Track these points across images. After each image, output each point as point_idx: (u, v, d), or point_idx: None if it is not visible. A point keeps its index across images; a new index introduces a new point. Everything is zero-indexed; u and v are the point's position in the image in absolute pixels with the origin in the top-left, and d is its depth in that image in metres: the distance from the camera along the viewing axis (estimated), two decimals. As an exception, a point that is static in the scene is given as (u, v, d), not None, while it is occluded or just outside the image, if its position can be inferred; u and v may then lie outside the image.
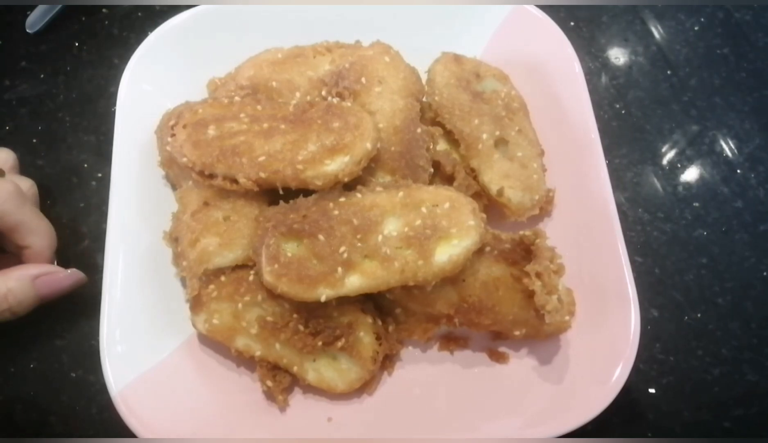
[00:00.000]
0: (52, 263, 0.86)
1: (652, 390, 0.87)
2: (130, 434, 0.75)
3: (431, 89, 0.89)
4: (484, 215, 0.78)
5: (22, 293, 0.79)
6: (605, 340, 0.78)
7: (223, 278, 0.79)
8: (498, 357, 0.82)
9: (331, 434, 0.78)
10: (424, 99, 0.90)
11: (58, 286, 0.82)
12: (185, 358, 0.82)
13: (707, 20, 1.14)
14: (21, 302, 0.79)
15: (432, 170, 0.85)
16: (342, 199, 0.78)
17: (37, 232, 0.83)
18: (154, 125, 0.89)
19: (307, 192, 0.78)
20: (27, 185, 0.87)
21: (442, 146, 0.89)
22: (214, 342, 0.80)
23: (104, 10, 1.14)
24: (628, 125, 1.04)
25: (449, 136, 0.88)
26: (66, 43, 1.12)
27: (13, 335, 0.89)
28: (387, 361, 0.82)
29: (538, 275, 0.74)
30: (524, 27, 0.97)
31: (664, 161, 1.02)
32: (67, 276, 0.83)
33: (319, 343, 0.76)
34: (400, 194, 0.77)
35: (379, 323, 0.81)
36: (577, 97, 0.91)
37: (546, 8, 0.97)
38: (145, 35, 0.96)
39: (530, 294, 0.75)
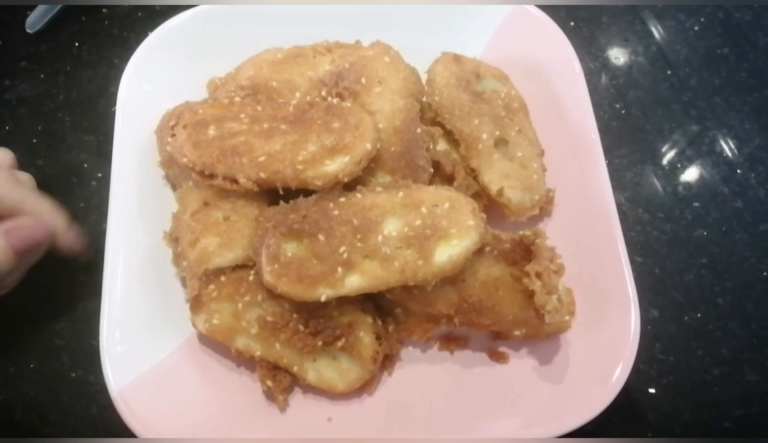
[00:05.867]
0: (69, 236, 0.84)
1: (652, 390, 0.87)
2: (130, 434, 0.75)
3: (431, 89, 0.89)
4: (484, 215, 0.78)
5: None
6: (605, 340, 0.78)
7: (223, 278, 0.79)
8: (498, 357, 0.82)
9: (331, 434, 0.78)
10: (424, 99, 0.90)
11: (31, 237, 0.79)
12: (185, 358, 0.82)
13: (707, 20, 1.14)
14: None
15: (432, 170, 0.85)
16: (342, 199, 0.78)
17: (41, 211, 0.81)
18: (154, 125, 0.89)
19: (307, 192, 0.78)
20: (24, 178, 0.86)
21: (442, 146, 0.89)
22: (214, 342, 0.80)
23: (104, 10, 1.14)
24: (628, 125, 1.04)
25: (449, 136, 0.88)
26: (66, 43, 1.12)
27: (13, 335, 0.89)
28: (387, 361, 0.82)
29: (538, 275, 0.74)
30: (524, 27, 0.97)
31: (664, 161, 1.02)
32: (38, 226, 0.80)
33: (319, 343, 0.76)
34: (400, 194, 0.77)
35: (379, 323, 0.81)
36: (577, 97, 0.91)
37: (546, 8, 0.97)
38: (145, 35, 0.96)
39: (530, 294, 0.75)
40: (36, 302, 0.88)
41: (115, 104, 0.92)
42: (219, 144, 0.79)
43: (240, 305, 0.78)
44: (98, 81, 1.08)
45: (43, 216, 0.81)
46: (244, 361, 0.81)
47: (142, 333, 0.81)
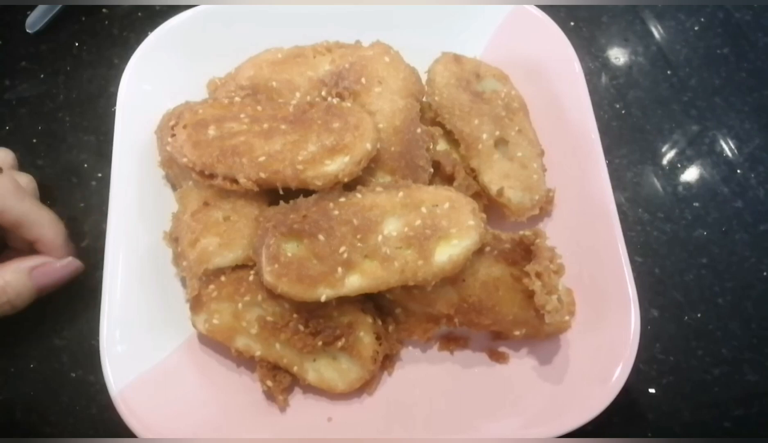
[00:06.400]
0: (65, 250, 0.85)
1: (652, 390, 0.87)
2: (130, 434, 0.75)
3: (431, 89, 0.89)
4: (484, 215, 0.78)
5: (20, 285, 0.79)
6: (605, 340, 0.78)
7: (223, 278, 0.79)
8: (498, 357, 0.82)
9: (331, 434, 0.78)
10: (424, 99, 0.90)
11: (55, 276, 0.82)
12: (185, 358, 0.82)
13: (707, 20, 1.14)
14: (19, 294, 0.79)
15: (432, 170, 0.85)
16: (342, 199, 0.78)
17: (42, 223, 0.82)
18: (154, 125, 0.89)
19: (307, 192, 0.78)
20: (25, 180, 0.86)
21: (442, 146, 0.89)
22: (214, 342, 0.80)
23: (104, 10, 1.14)
24: (628, 125, 1.04)
25: (449, 136, 0.88)
26: (66, 43, 1.12)
27: (13, 335, 0.89)
28: (387, 361, 0.82)
29: (538, 275, 0.74)
30: (524, 27, 0.97)
31: (664, 161, 1.02)
32: (64, 266, 0.83)
33: (319, 343, 0.76)
34: (400, 194, 0.77)
35: (379, 323, 0.81)
36: (577, 97, 0.91)
37: (546, 8, 0.97)
38: (145, 35, 0.96)
39: (530, 294, 0.75)
40: (36, 302, 0.88)
41: (115, 104, 0.92)
42: (219, 144, 0.79)
43: (240, 305, 0.78)
44: (98, 81, 1.08)
45: (43, 229, 0.82)
46: (244, 361, 0.81)
47: (142, 333, 0.81)
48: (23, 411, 0.86)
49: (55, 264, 0.83)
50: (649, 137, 1.04)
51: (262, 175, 0.77)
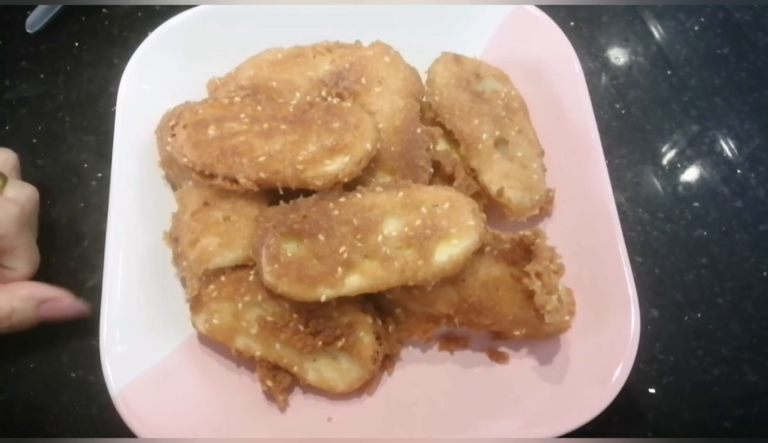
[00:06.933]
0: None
1: (652, 390, 0.87)
2: (130, 434, 0.75)
3: (431, 89, 0.89)
4: (484, 215, 0.78)
5: (25, 314, 0.80)
6: (605, 340, 0.78)
7: (223, 278, 0.79)
8: (498, 357, 0.82)
9: (331, 434, 0.78)
10: (424, 99, 0.90)
11: (62, 314, 0.83)
12: (185, 358, 0.82)
13: (707, 20, 1.14)
14: (23, 322, 0.80)
15: (432, 170, 0.85)
16: (342, 199, 0.78)
17: (27, 260, 0.83)
18: (154, 125, 0.89)
19: (307, 192, 0.78)
20: (29, 191, 0.85)
21: (442, 146, 0.89)
22: (214, 342, 0.80)
23: (104, 10, 1.14)
24: (628, 125, 1.04)
25: (449, 136, 0.88)
26: (66, 43, 1.12)
27: (13, 335, 0.89)
28: (387, 361, 0.82)
29: (538, 275, 0.74)
30: (524, 27, 0.97)
31: (664, 161, 1.02)
32: (72, 306, 0.83)
33: (319, 343, 0.76)
34: (400, 194, 0.77)
35: (379, 323, 0.81)
36: (577, 97, 0.91)
37: (546, 8, 0.97)
38: (145, 35, 0.96)
39: (530, 294, 0.75)
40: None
41: (115, 104, 0.92)
42: (219, 144, 0.79)
43: (240, 305, 0.78)
44: (98, 81, 1.08)
45: (21, 265, 0.82)
46: (244, 361, 0.81)
47: (142, 333, 0.81)
48: (23, 411, 0.86)
49: (64, 302, 0.83)
50: (649, 137, 1.04)
51: (262, 175, 0.77)
